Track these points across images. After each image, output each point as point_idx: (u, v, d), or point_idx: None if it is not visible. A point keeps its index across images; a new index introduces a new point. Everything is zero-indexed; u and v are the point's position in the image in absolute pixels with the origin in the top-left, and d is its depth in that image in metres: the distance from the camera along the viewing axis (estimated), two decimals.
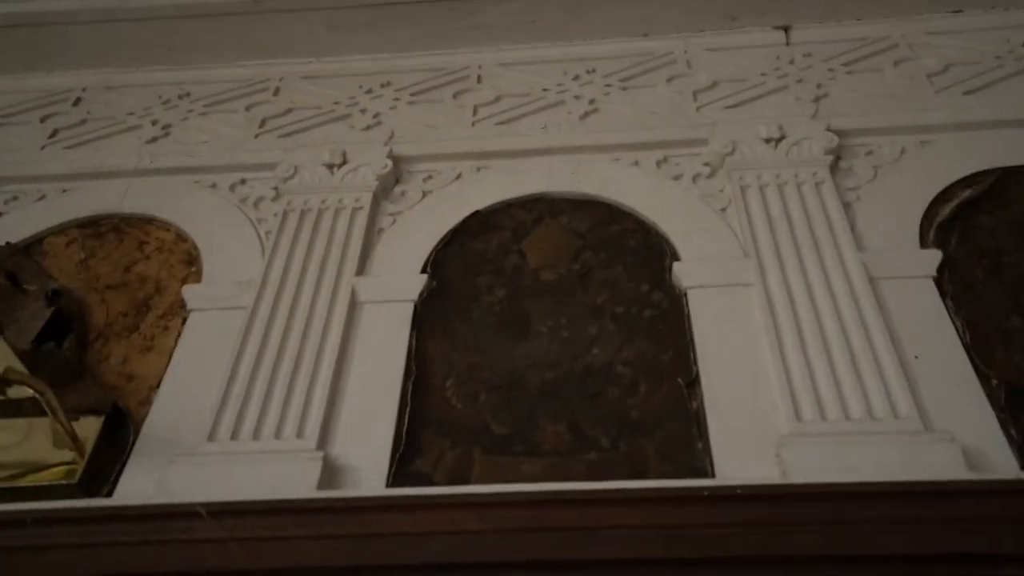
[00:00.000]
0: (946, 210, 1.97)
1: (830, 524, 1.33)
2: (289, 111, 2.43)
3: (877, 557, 1.30)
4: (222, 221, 2.14)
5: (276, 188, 2.18)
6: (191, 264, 2.05)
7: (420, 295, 1.92)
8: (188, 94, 2.51)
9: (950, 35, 2.39)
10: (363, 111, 2.41)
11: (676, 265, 1.91)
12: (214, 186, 2.23)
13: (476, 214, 2.11)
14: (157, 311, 1.93)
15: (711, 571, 1.34)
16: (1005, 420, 1.56)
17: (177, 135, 2.38)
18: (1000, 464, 1.48)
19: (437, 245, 2.04)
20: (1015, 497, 1.34)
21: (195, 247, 2.08)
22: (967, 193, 2.00)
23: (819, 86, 2.31)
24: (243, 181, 2.24)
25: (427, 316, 1.89)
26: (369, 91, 2.47)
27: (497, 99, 2.41)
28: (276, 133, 2.36)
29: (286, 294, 1.89)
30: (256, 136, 2.35)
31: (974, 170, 2.04)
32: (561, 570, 1.35)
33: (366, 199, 2.11)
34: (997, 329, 1.73)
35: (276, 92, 2.50)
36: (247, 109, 2.44)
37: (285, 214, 2.09)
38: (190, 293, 1.95)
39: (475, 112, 2.38)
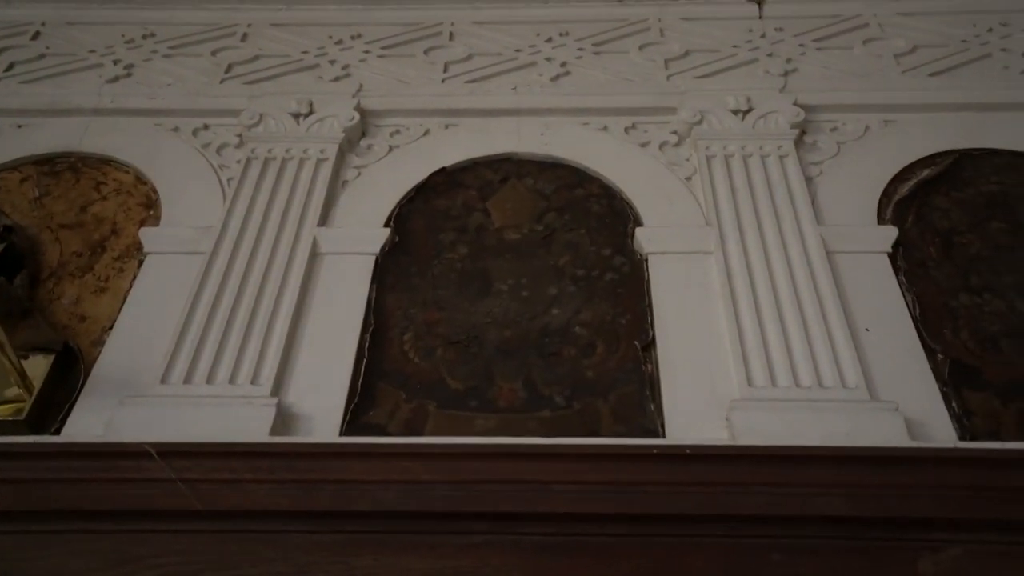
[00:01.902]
0: (904, 188, 2.00)
1: (774, 486, 1.36)
2: (256, 58, 2.39)
3: (817, 518, 1.34)
4: (183, 165, 2.10)
5: (240, 135, 2.15)
6: (150, 207, 2.02)
7: (382, 249, 1.91)
8: (153, 34, 2.45)
9: (920, 16, 2.42)
10: (332, 62, 2.37)
11: (639, 231, 1.92)
12: (176, 130, 2.19)
13: (442, 171, 2.10)
14: (113, 252, 1.90)
15: (658, 528, 1.36)
16: (948, 394, 1.60)
17: (139, 76, 2.33)
18: (940, 435, 1.53)
19: (401, 200, 2.03)
20: (951, 465, 1.38)
21: (154, 190, 2.05)
22: (926, 173, 2.03)
23: (789, 60, 2.32)
24: (206, 126, 2.20)
25: (388, 270, 1.88)
26: (339, 42, 2.44)
27: (469, 57, 2.39)
28: (242, 79, 2.32)
29: (246, 241, 1.87)
30: (221, 81, 2.31)
31: (934, 151, 2.08)
32: (511, 522, 1.37)
33: (331, 150, 2.09)
34: (946, 306, 1.77)
35: (244, 38, 2.46)
36: (213, 54, 2.40)
37: (248, 161, 2.06)
38: (148, 236, 1.92)
39: (446, 69, 2.36)
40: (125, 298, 1.80)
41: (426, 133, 2.20)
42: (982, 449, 1.44)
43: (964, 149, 2.08)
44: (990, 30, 2.35)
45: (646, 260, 1.88)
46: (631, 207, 2.00)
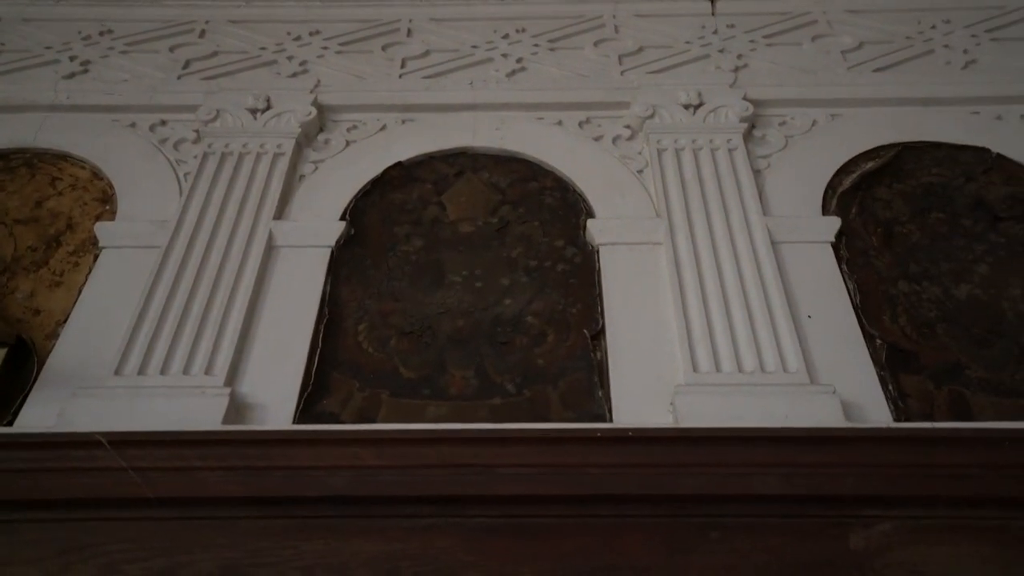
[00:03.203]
0: (848, 181, 2.06)
1: (712, 466, 1.40)
2: (214, 54, 2.40)
3: (753, 497, 1.38)
4: (140, 161, 2.12)
5: (197, 131, 2.17)
6: (106, 202, 2.03)
7: (337, 241, 1.94)
8: (110, 31, 2.45)
9: (866, 14, 2.48)
10: (290, 58, 2.39)
11: (590, 222, 1.96)
12: (133, 125, 2.20)
13: (398, 165, 2.13)
14: (68, 247, 1.91)
15: (601, 508, 1.40)
16: (884, 377, 1.66)
17: (96, 72, 2.34)
18: (876, 416, 1.58)
19: (357, 194, 2.06)
20: (882, 445, 1.43)
21: (111, 185, 2.06)
22: (869, 165, 2.09)
23: (739, 57, 2.37)
24: (163, 122, 2.21)
25: (343, 262, 1.91)
26: (297, 38, 2.46)
27: (426, 53, 2.42)
28: (200, 75, 2.33)
29: (202, 234, 1.89)
30: (179, 77, 2.32)
31: (878, 144, 2.14)
32: (457, 505, 1.40)
33: (288, 145, 2.11)
34: (886, 294, 1.83)
35: (202, 34, 2.47)
36: (171, 50, 2.41)
37: (205, 156, 2.08)
38: (103, 230, 1.93)
39: (403, 65, 2.39)
40: (80, 292, 1.82)
41: (383, 128, 2.23)
42: (909, 428, 1.50)
43: (906, 142, 2.14)
44: (933, 27, 2.42)
45: (597, 251, 1.92)
46: (584, 200, 2.04)
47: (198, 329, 1.72)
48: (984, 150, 2.10)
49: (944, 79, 2.28)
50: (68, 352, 1.70)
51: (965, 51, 2.34)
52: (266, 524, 1.39)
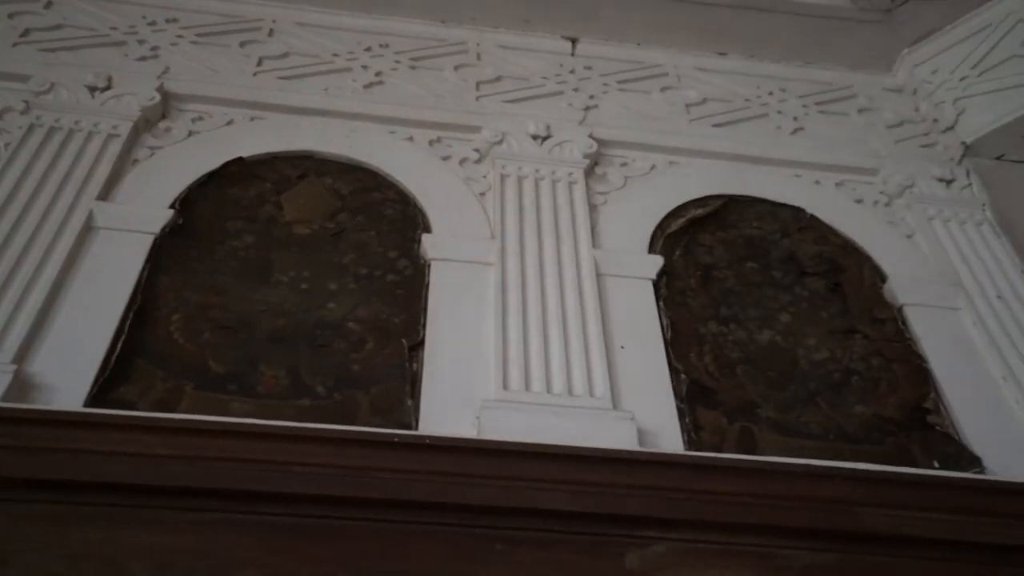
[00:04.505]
0: (677, 224, 2.16)
1: (503, 479, 1.43)
2: (58, 27, 2.30)
3: (540, 511, 1.42)
4: None
5: (27, 101, 2.07)
6: None
7: (163, 229, 1.88)
8: None
9: (713, 73, 2.63)
10: (141, 41, 2.32)
11: (426, 237, 1.99)
12: None
13: (239, 160, 2.09)
14: None
15: (391, 513, 1.40)
16: (683, 409, 1.74)
17: None
18: (669, 445, 1.65)
19: (192, 184, 2.01)
20: (664, 469, 1.50)
21: None
22: (697, 212, 2.21)
23: (592, 97, 2.47)
24: None
25: (167, 251, 1.86)
26: (152, 23, 2.39)
27: (285, 55, 2.40)
28: (38, 46, 2.23)
29: (13, 205, 1.81)
30: (14, 45, 2.21)
31: (707, 193, 2.26)
32: (247, 501, 1.38)
33: (125, 128, 2.05)
34: (696, 333, 1.93)
35: (48, 5, 2.36)
36: (9, 16, 2.29)
37: (31, 128, 1.99)
38: None
39: (259, 63, 2.36)
40: None
41: (230, 123, 2.19)
42: (691, 456, 1.58)
43: (733, 195, 2.27)
44: (771, 93, 2.59)
45: (429, 265, 1.94)
46: (423, 214, 2.06)
47: None
48: (800, 210, 2.26)
49: (773, 141, 2.44)
50: None
51: (795, 118, 2.51)
52: (35, 508, 1.32)
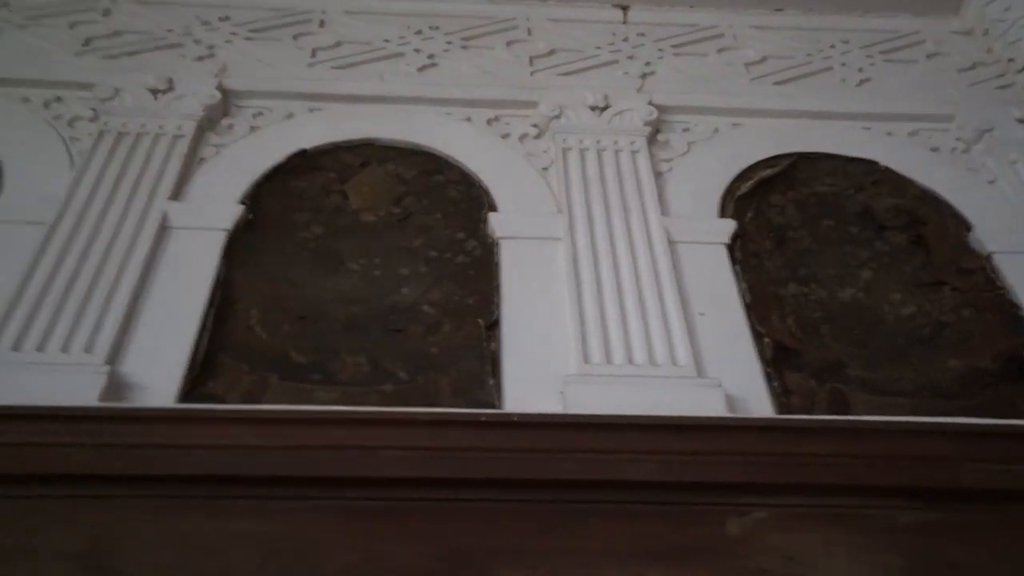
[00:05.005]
0: (746, 186, 2.12)
1: (593, 452, 1.42)
2: (117, 33, 2.34)
3: (632, 483, 1.40)
4: (31, 137, 2.05)
5: (95, 108, 2.10)
6: None
7: (234, 225, 1.90)
8: (6, 4, 2.36)
9: (770, 30, 2.56)
10: (197, 41, 2.35)
11: (492, 216, 1.97)
12: (26, 101, 2.13)
13: (302, 153, 2.10)
14: None
15: (482, 492, 1.40)
16: (770, 374, 1.70)
17: None
18: (759, 410, 1.62)
19: (258, 179, 2.03)
20: (758, 434, 1.47)
21: None
22: (766, 172, 2.15)
23: (647, 64, 2.42)
24: (59, 99, 2.14)
25: (239, 246, 1.88)
26: (206, 23, 2.41)
27: (337, 44, 2.41)
28: (100, 54, 2.27)
29: (92, 212, 1.84)
30: (78, 54, 2.26)
31: (775, 152, 2.21)
32: (339, 487, 1.38)
33: (189, 127, 2.07)
34: (775, 295, 1.88)
35: (106, 13, 2.40)
36: (71, 27, 2.33)
37: (101, 134, 2.03)
38: None
39: (314, 55, 2.37)
40: None
41: (290, 116, 2.20)
42: (784, 419, 1.55)
43: (802, 152, 2.21)
44: (832, 46, 2.51)
45: (498, 244, 1.93)
46: (488, 194, 2.05)
47: (80, 307, 1.66)
48: (873, 163, 2.19)
49: (839, 95, 2.37)
50: None
51: (860, 70, 2.43)
52: (140, 503, 1.34)
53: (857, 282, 1.92)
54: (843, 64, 2.46)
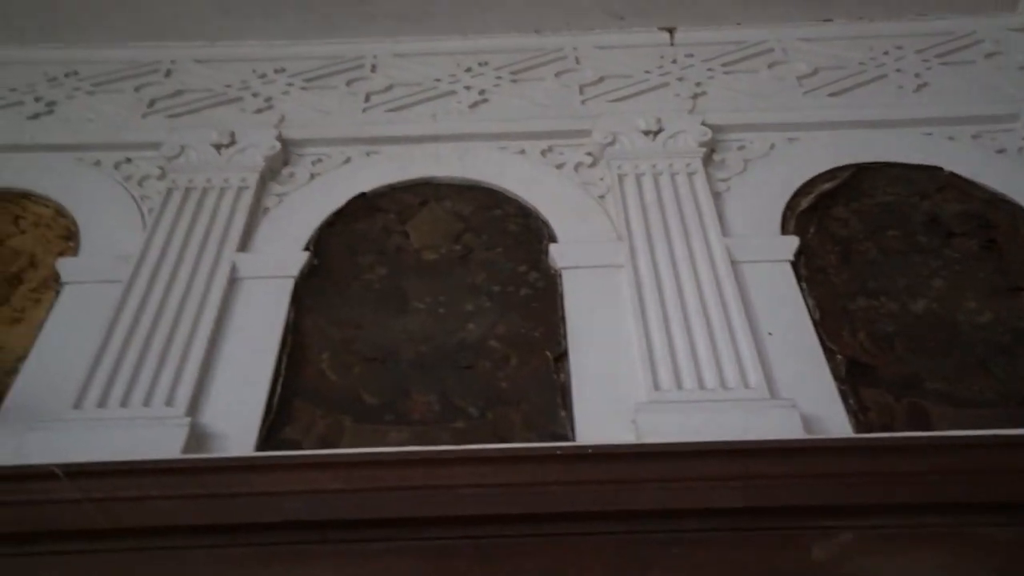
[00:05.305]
0: (806, 201, 2.09)
1: (671, 481, 1.40)
2: (179, 92, 2.42)
3: (713, 511, 1.38)
4: (104, 198, 2.12)
5: (162, 167, 2.18)
6: (69, 239, 2.03)
7: (301, 272, 1.94)
8: (76, 72, 2.47)
9: (820, 42, 2.54)
10: (255, 95, 2.42)
11: (553, 247, 1.98)
12: (98, 164, 2.21)
13: (362, 196, 2.14)
14: (30, 284, 1.91)
15: (561, 526, 1.39)
16: (845, 391, 1.67)
17: (62, 112, 2.35)
18: (837, 429, 1.59)
19: (321, 225, 2.07)
20: (840, 455, 1.43)
21: (74, 223, 2.06)
22: (826, 186, 2.13)
23: (698, 84, 2.42)
24: (128, 160, 2.22)
25: (307, 292, 1.92)
26: (263, 76, 2.49)
27: (389, 87, 2.46)
28: (164, 113, 2.35)
29: (164, 268, 1.90)
30: (144, 116, 2.34)
31: (834, 165, 2.17)
32: (415, 527, 1.39)
33: (252, 179, 2.13)
34: (844, 310, 1.85)
35: (168, 74, 2.49)
36: (136, 90, 2.43)
37: (169, 192, 2.09)
38: (65, 266, 1.93)
39: (367, 99, 2.42)
40: (40, 328, 1.81)
41: (347, 161, 2.25)
42: (865, 438, 1.51)
43: (862, 163, 2.18)
44: (885, 53, 2.47)
45: (560, 275, 1.93)
46: (547, 225, 2.06)
47: (159, 361, 1.71)
48: (937, 169, 2.15)
49: (897, 102, 2.33)
50: (27, 388, 1.69)
51: (917, 75, 2.39)
52: (224, 552, 1.37)
53: (929, 292, 1.88)
54: (898, 70, 2.42)
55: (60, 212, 2.10)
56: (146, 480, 1.41)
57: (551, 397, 1.69)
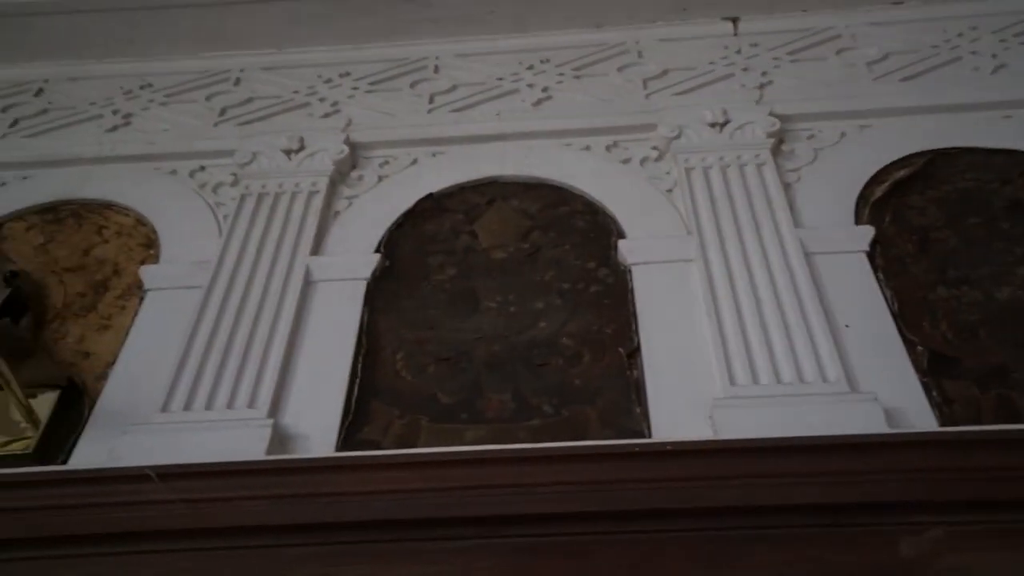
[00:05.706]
0: (880, 189, 2.04)
1: (752, 477, 1.39)
2: (249, 100, 2.48)
3: (796, 507, 1.36)
4: (181, 205, 2.18)
5: (235, 174, 2.23)
6: (150, 247, 2.10)
7: (373, 274, 1.97)
8: (150, 84, 2.55)
9: (890, 26, 2.47)
10: (322, 100, 2.46)
11: (622, 243, 1.97)
12: (174, 172, 2.28)
13: (429, 197, 2.17)
14: (115, 292, 1.98)
15: (640, 524, 1.39)
16: (928, 383, 1.63)
17: (138, 124, 2.43)
18: (920, 422, 1.55)
19: (391, 227, 2.10)
20: (926, 449, 1.40)
21: (154, 231, 2.13)
22: (901, 173, 2.07)
23: (764, 74, 2.38)
24: (202, 168, 2.28)
25: (379, 293, 1.94)
26: (328, 81, 2.53)
27: (453, 88, 2.47)
28: (235, 121, 2.41)
29: (242, 273, 1.94)
30: (216, 124, 2.40)
31: (908, 152, 2.12)
32: (496, 526, 1.40)
33: (322, 183, 2.17)
34: (924, 300, 1.80)
35: (237, 82, 2.55)
36: (207, 99, 2.49)
37: (243, 198, 2.14)
38: (147, 274, 1.99)
39: (432, 100, 2.44)
40: (127, 334, 1.87)
41: (414, 162, 2.27)
42: (950, 432, 1.47)
43: (938, 149, 2.12)
44: (960, 35, 2.40)
45: (630, 271, 1.92)
46: (614, 221, 2.05)
47: (240, 364, 1.75)
48: (1018, 153, 2.08)
49: (973, 84, 2.26)
50: (117, 392, 1.75)
51: (993, 56, 2.32)
52: (310, 551, 1.40)
53: (1014, 279, 1.82)
54: (973, 52, 2.34)
55: (140, 221, 2.17)
56: (235, 481, 1.45)
57: (625, 394, 1.69)
